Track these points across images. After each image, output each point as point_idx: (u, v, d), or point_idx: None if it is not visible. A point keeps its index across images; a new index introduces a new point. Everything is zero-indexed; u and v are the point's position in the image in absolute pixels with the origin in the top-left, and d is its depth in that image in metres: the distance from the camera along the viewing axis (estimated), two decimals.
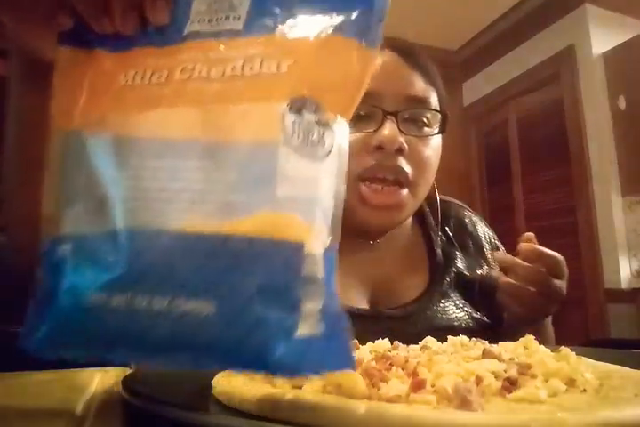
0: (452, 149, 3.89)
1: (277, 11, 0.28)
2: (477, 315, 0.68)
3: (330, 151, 0.26)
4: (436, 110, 0.65)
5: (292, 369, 0.23)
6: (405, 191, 0.62)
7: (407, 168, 0.61)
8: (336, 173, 0.26)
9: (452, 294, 0.68)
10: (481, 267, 0.71)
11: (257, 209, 0.24)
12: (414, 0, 3.10)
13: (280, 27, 0.27)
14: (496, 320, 0.69)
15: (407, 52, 0.65)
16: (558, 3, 2.98)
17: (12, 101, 0.44)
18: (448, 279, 0.69)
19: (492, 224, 0.83)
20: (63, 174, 0.28)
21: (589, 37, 2.82)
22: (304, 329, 0.23)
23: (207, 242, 0.24)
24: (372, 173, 0.60)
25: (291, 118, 0.25)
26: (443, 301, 0.66)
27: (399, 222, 0.67)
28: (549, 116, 3.08)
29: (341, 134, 0.27)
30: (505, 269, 0.61)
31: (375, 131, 0.59)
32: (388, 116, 0.60)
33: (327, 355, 0.24)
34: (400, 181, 0.61)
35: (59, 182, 0.28)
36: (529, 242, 0.61)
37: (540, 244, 0.62)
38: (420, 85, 0.64)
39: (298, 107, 0.25)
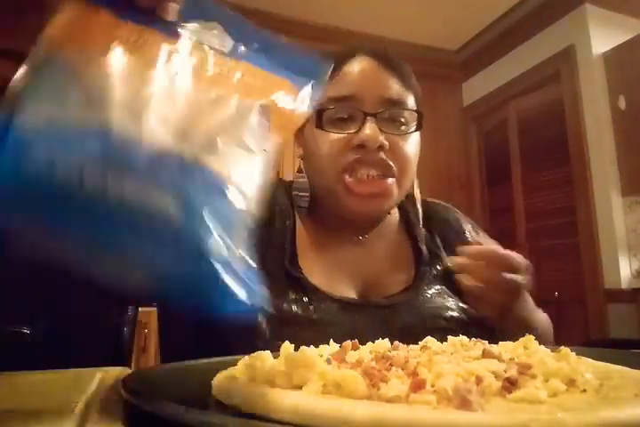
0: (452, 149, 3.91)
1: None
2: (466, 306, 0.70)
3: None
4: (413, 110, 0.69)
5: None
6: (391, 180, 0.66)
7: (390, 162, 0.65)
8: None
9: (438, 286, 0.71)
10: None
11: None
12: (414, 0, 3.10)
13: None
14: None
15: (383, 58, 0.70)
16: (558, 3, 2.98)
17: None
18: (434, 272, 0.72)
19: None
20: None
21: (589, 37, 2.82)
22: None
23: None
24: (355, 165, 0.64)
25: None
26: (429, 291, 0.70)
27: (385, 211, 0.71)
28: (549, 116, 3.08)
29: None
30: (460, 272, 0.63)
31: (357, 131, 0.64)
32: (369, 117, 0.64)
33: None
34: (385, 173, 0.65)
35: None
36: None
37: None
38: (396, 88, 0.68)
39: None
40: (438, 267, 0.73)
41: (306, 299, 0.63)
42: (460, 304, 0.70)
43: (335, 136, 0.65)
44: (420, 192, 0.77)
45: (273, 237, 0.68)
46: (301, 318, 0.61)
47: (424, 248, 0.74)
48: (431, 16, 3.26)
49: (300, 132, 0.71)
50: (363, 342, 0.44)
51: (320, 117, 0.64)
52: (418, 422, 0.23)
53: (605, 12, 2.88)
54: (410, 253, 0.75)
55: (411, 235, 0.77)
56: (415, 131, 0.69)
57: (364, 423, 0.24)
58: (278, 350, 0.36)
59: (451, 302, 0.70)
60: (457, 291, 0.70)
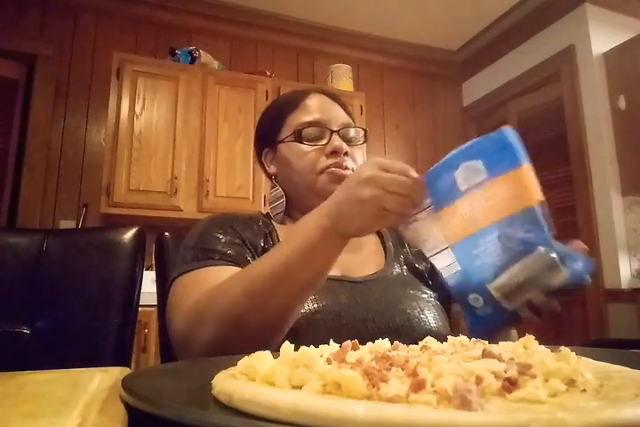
0: (452, 149, 3.89)
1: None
2: (428, 289, 0.86)
3: None
4: (362, 128, 0.92)
5: None
6: (349, 172, 0.85)
7: (351, 165, 0.86)
8: None
9: (405, 273, 0.88)
10: (425, 260, 0.92)
11: None
12: (415, 0, 3.10)
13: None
14: (443, 303, 0.85)
15: (331, 95, 0.95)
16: (558, 3, 2.99)
17: None
18: (401, 261, 0.91)
19: None
20: None
21: (589, 37, 2.82)
22: None
23: None
24: (332, 167, 0.84)
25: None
26: (396, 273, 0.87)
27: None
28: (549, 116, 3.08)
29: None
30: None
31: (327, 143, 0.86)
32: (334, 133, 0.87)
33: None
34: (349, 169, 0.86)
35: None
36: None
37: None
38: (344, 115, 0.92)
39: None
40: (402, 258, 0.91)
41: None
42: (422, 286, 0.86)
43: (312, 148, 0.86)
44: None
45: (258, 244, 0.83)
46: None
47: (389, 244, 0.93)
48: (431, 16, 3.26)
49: (267, 159, 0.95)
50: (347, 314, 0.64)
51: (300, 136, 0.87)
52: (418, 422, 0.23)
53: (605, 12, 2.88)
54: (380, 248, 0.93)
55: (379, 235, 0.96)
56: (363, 143, 0.92)
57: (363, 423, 0.24)
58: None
59: (415, 281, 0.87)
60: (421, 279, 0.88)
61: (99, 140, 2.82)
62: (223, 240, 0.79)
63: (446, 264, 0.57)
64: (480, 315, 0.53)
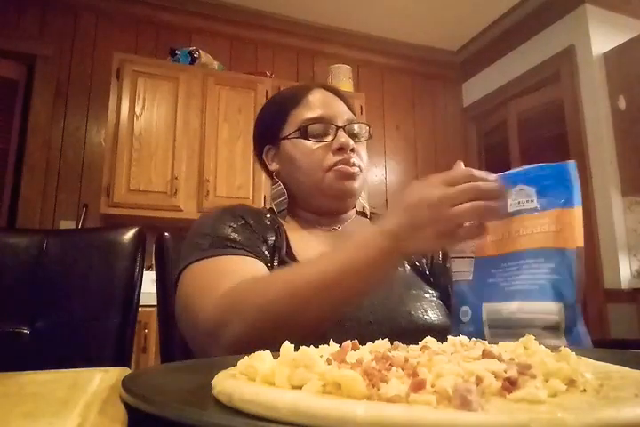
0: (452, 150, 3.91)
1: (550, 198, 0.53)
2: (431, 289, 0.85)
3: None
4: (366, 124, 0.92)
5: None
6: (358, 170, 0.86)
7: (357, 161, 0.85)
8: None
9: (407, 271, 0.87)
10: (426, 257, 0.92)
11: None
12: (414, 0, 3.10)
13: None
14: (443, 300, 0.85)
15: (334, 90, 0.94)
16: (558, 3, 2.99)
17: None
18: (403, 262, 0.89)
19: None
20: None
21: (589, 37, 2.82)
22: None
23: None
24: (339, 164, 0.83)
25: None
26: (398, 272, 0.85)
27: (354, 192, 0.87)
28: (549, 116, 3.08)
29: None
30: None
31: (333, 139, 0.85)
32: (340, 129, 0.86)
33: None
34: (356, 166, 0.86)
35: None
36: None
37: None
38: (347, 110, 0.91)
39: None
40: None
41: None
42: (424, 285, 0.85)
43: (318, 144, 0.85)
44: None
45: (269, 239, 0.82)
46: None
47: None
48: (431, 16, 3.26)
49: (268, 156, 0.92)
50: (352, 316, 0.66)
51: (305, 132, 0.85)
52: (418, 422, 0.23)
53: (605, 12, 2.88)
54: None
55: None
56: (368, 139, 0.91)
57: (364, 423, 0.24)
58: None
59: (417, 280, 0.86)
60: (424, 278, 0.88)
61: (99, 140, 2.82)
62: (239, 231, 0.78)
63: (462, 270, 0.56)
64: (462, 330, 0.53)
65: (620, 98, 2.69)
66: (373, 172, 3.42)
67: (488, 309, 0.52)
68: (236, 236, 0.77)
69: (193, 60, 2.84)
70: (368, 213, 0.98)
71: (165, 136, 2.65)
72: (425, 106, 3.73)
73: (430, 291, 0.84)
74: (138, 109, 2.61)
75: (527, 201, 0.51)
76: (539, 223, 0.51)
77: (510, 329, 0.45)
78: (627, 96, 2.66)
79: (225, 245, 0.75)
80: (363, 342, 0.46)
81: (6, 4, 2.77)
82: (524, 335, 0.41)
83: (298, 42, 3.40)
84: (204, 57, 2.87)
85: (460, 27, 3.41)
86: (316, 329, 0.62)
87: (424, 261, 0.91)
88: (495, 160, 3.49)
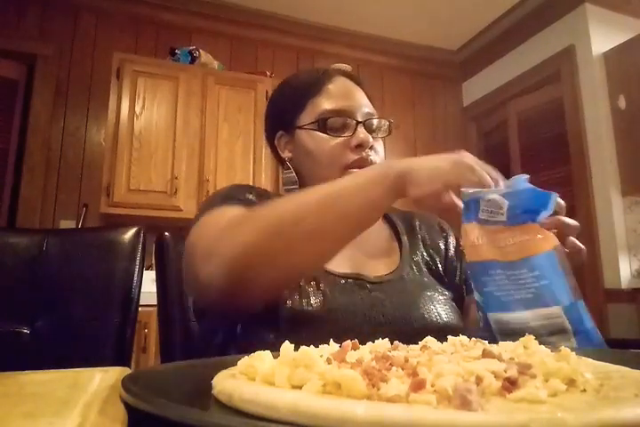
0: (452, 149, 3.89)
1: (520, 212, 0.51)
2: (445, 290, 0.83)
3: None
4: (387, 119, 0.86)
5: None
6: None
7: (376, 159, 0.81)
8: None
9: (421, 272, 0.84)
10: (440, 257, 0.90)
11: None
12: (414, 0, 3.10)
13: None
14: (457, 301, 0.84)
15: (354, 78, 0.88)
16: (558, 2, 2.99)
17: None
18: (415, 259, 0.86)
19: None
20: None
21: (589, 37, 2.82)
22: None
23: None
24: (356, 164, 0.79)
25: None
26: (412, 273, 0.83)
27: None
28: (549, 115, 3.08)
29: None
30: None
31: (352, 135, 0.80)
32: (359, 125, 0.81)
33: None
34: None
35: None
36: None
37: None
38: (367, 102, 0.86)
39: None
40: (419, 255, 0.87)
41: (311, 278, 0.74)
42: (438, 286, 0.83)
43: (336, 139, 0.80)
44: None
45: None
46: (305, 284, 0.72)
47: (404, 238, 0.89)
48: (431, 16, 3.26)
49: (280, 142, 0.88)
50: (359, 311, 0.68)
51: (325, 125, 0.80)
52: (418, 422, 0.23)
53: (605, 12, 2.88)
54: (394, 243, 0.89)
55: (394, 231, 0.92)
56: (388, 135, 0.87)
57: (364, 423, 0.24)
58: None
59: (431, 282, 0.83)
60: (437, 278, 0.85)
61: (99, 140, 2.82)
62: (254, 197, 0.78)
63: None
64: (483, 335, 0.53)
65: (620, 98, 2.69)
66: None
67: (493, 318, 0.51)
68: (250, 196, 0.77)
69: (193, 60, 2.84)
70: None
71: (165, 136, 2.65)
72: (425, 105, 3.73)
73: (445, 293, 0.82)
74: (138, 109, 2.61)
75: (497, 213, 0.51)
76: (510, 235, 0.51)
77: (520, 337, 0.45)
78: (627, 96, 2.66)
79: (237, 200, 0.74)
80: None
81: (6, 4, 2.77)
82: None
83: (298, 41, 3.40)
84: (204, 56, 2.87)
85: (459, 26, 3.41)
86: (305, 262, 0.61)
87: (438, 262, 0.89)
88: (495, 160, 3.48)
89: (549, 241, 0.51)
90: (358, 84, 0.87)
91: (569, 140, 2.88)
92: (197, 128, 2.73)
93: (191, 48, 2.87)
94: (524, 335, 0.42)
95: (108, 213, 2.50)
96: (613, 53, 2.77)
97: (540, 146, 3.12)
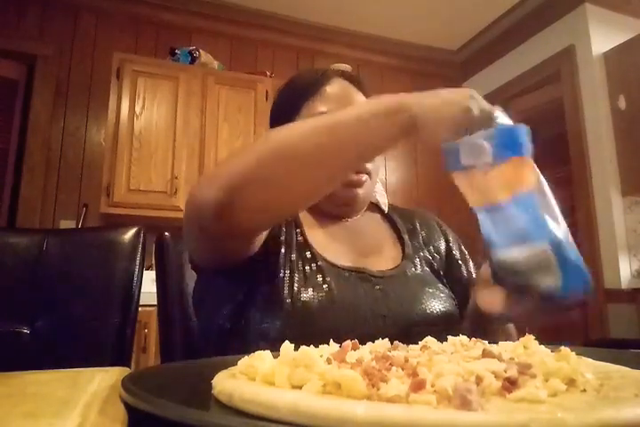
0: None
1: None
2: (444, 288, 0.83)
3: None
4: None
5: None
6: (365, 176, 0.83)
7: (367, 165, 0.81)
8: None
9: (422, 271, 0.84)
10: (440, 256, 0.89)
11: None
12: (414, 0, 3.10)
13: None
14: (461, 301, 0.82)
15: (353, 79, 0.86)
16: (558, 2, 2.99)
17: None
18: (417, 258, 0.86)
19: None
20: None
21: (589, 37, 2.82)
22: None
23: None
24: None
25: None
26: (414, 270, 0.82)
27: (361, 197, 0.85)
28: (549, 115, 3.08)
29: None
30: None
31: None
32: None
33: None
34: (361, 171, 0.81)
35: None
36: None
37: None
38: None
39: None
40: (421, 254, 0.87)
41: (315, 264, 0.75)
42: (440, 284, 0.83)
43: None
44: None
45: (285, 227, 0.80)
46: (312, 275, 0.73)
47: (406, 237, 0.89)
48: (431, 16, 3.26)
49: None
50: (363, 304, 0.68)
51: None
52: (418, 422, 0.23)
53: (605, 12, 2.88)
54: (395, 241, 0.89)
55: (395, 229, 0.91)
56: None
57: (364, 423, 0.24)
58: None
59: (433, 280, 0.83)
60: (437, 276, 0.85)
61: (99, 140, 2.82)
62: None
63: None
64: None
65: (620, 98, 2.69)
66: (381, 191, 3.42)
67: (494, 259, 0.51)
68: None
69: (193, 60, 2.84)
70: (385, 209, 0.95)
71: (165, 136, 2.65)
72: None
73: (446, 291, 0.83)
74: (138, 109, 2.61)
75: (481, 156, 0.52)
76: (492, 176, 0.51)
77: (516, 277, 0.46)
78: (627, 96, 2.66)
79: None
80: (375, 336, 0.46)
81: (6, 4, 2.77)
82: (526, 283, 0.45)
83: (298, 41, 3.40)
84: (204, 56, 2.87)
85: (460, 26, 3.41)
86: (298, 190, 0.59)
87: (438, 260, 0.89)
88: None
89: (532, 175, 0.53)
90: (358, 86, 0.86)
91: (569, 140, 2.88)
92: (197, 128, 2.73)
93: (191, 48, 2.87)
94: (519, 275, 0.44)
95: (108, 213, 2.50)
96: (613, 53, 2.77)
97: (539, 146, 3.10)
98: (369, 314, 0.71)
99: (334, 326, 0.43)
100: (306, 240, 0.79)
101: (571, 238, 0.49)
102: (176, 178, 2.60)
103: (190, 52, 2.84)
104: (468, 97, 0.54)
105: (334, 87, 0.83)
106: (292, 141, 0.57)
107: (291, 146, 0.57)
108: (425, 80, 3.76)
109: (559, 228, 0.50)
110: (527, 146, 0.54)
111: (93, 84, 2.86)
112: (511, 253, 0.49)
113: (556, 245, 0.48)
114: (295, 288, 0.70)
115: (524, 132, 0.54)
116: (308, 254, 0.76)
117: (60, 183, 2.73)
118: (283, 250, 0.76)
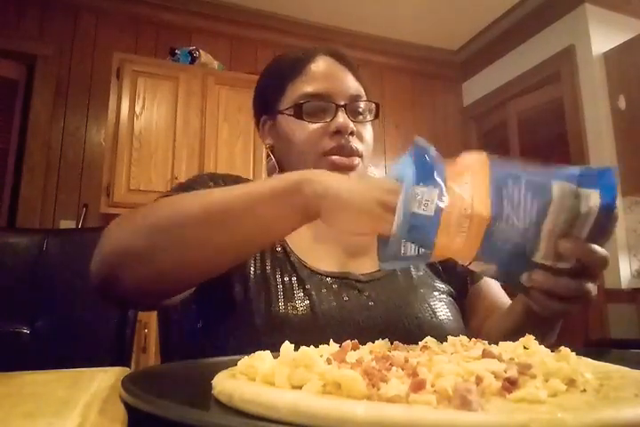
0: (452, 149, 3.89)
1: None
2: (442, 284, 0.77)
3: None
4: (373, 101, 0.80)
5: None
6: (357, 160, 0.76)
7: (358, 146, 0.75)
8: None
9: (414, 267, 0.78)
10: None
11: None
12: (414, 0, 3.10)
13: None
14: (460, 292, 0.79)
15: (340, 57, 0.82)
16: (558, 3, 2.99)
17: None
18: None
19: None
20: None
21: (589, 37, 2.82)
22: None
23: None
24: (334, 152, 0.74)
25: None
26: (403, 273, 0.76)
27: None
28: (549, 116, 3.08)
29: None
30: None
31: (331, 120, 0.74)
32: (340, 109, 0.75)
33: None
34: (352, 154, 0.76)
35: None
36: None
37: None
38: (354, 84, 0.79)
39: None
40: None
41: (294, 274, 0.70)
42: (436, 281, 0.77)
43: (314, 125, 0.75)
44: None
45: None
46: (290, 287, 0.68)
47: None
48: (431, 16, 3.26)
49: (264, 128, 0.82)
50: (347, 315, 0.64)
51: (300, 111, 0.74)
52: (418, 422, 0.23)
53: (605, 12, 2.88)
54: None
55: None
56: (374, 119, 0.81)
57: (364, 423, 0.24)
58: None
59: (426, 277, 0.77)
60: (435, 272, 0.79)
61: (99, 140, 2.82)
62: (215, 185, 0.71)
63: (481, 270, 0.48)
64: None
65: (620, 98, 2.69)
66: (372, 172, 3.42)
67: (542, 257, 0.47)
68: (211, 184, 0.70)
69: (193, 60, 2.84)
70: None
71: (165, 136, 2.65)
72: (425, 105, 3.72)
73: (440, 288, 0.76)
74: (138, 109, 2.61)
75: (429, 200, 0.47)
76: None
77: (568, 237, 0.43)
78: (627, 96, 2.66)
79: (193, 190, 0.66)
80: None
81: (6, 4, 2.77)
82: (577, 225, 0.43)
83: (298, 42, 3.39)
84: (204, 57, 2.87)
85: (459, 26, 3.41)
86: (182, 269, 0.54)
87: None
88: None
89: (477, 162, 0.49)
90: (344, 63, 0.81)
91: (569, 140, 2.88)
92: (197, 128, 2.73)
93: (191, 48, 2.87)
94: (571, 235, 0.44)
95: (108, 213, 2.50)
96: (613, 53, 2.77)
97: (539, 146, 3.12)
98: (357, 328, 0.65)
99: (318, 341, 0.40)
100: (284, 247, 0.73)
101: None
102: (176, 178, 2.60)
103: (190, 52, 2.84)
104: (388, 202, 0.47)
105: (319, 65, 0.78)
106: (178, 221, 0.52)
107: (176, 225, 0.52)
108: (425, 80, 3.76)
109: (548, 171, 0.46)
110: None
111: (93, 84, 2.86)
112: (546, 231, 0.44)
113: (567, 178, 0.44)
114: (274, 302, 0.65)
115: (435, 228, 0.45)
116: (287, 264, 0.71)
117: (60, 183, 2.73)
118: (252, 262, 0.70)
